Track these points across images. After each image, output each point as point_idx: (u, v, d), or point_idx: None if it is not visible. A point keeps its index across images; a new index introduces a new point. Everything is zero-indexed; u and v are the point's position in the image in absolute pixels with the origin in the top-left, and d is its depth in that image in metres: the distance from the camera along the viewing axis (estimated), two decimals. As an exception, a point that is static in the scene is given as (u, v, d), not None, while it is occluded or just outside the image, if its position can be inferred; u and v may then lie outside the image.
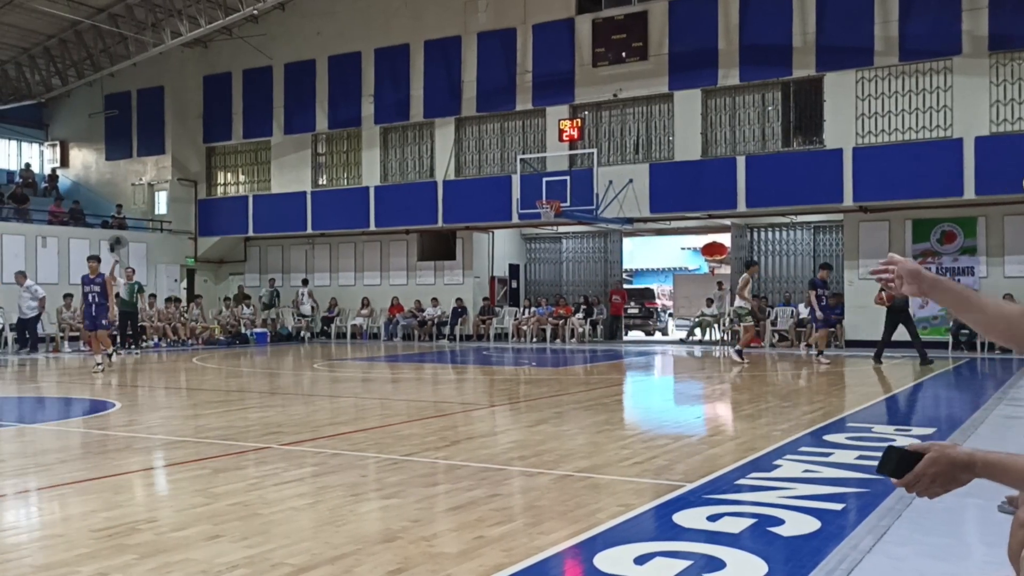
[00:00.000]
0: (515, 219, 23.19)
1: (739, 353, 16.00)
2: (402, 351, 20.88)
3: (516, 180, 22.91)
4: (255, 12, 24.30)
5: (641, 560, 3.82)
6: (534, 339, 23.91)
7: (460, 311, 24.72)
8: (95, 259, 15.33)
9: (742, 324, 16.49)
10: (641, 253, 33.59)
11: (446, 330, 24.69)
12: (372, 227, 25.56)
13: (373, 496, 5.24)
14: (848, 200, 19.93)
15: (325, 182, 26.98)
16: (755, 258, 22.69)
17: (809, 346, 17.54)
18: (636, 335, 27.39)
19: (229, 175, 29.00)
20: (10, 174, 29.40)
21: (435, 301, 25.19)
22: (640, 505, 4.89)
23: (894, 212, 20.21)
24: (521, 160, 22.87)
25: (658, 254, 34.11)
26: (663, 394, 13.06)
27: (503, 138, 24.50)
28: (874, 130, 19.95)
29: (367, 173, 26.08)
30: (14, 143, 30.86)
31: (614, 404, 10.74)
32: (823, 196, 20.20)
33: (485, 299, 25.45)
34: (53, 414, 9.94)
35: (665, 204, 21.96)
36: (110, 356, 15.25)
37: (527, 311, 24.81)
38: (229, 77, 27.98)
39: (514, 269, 27.13)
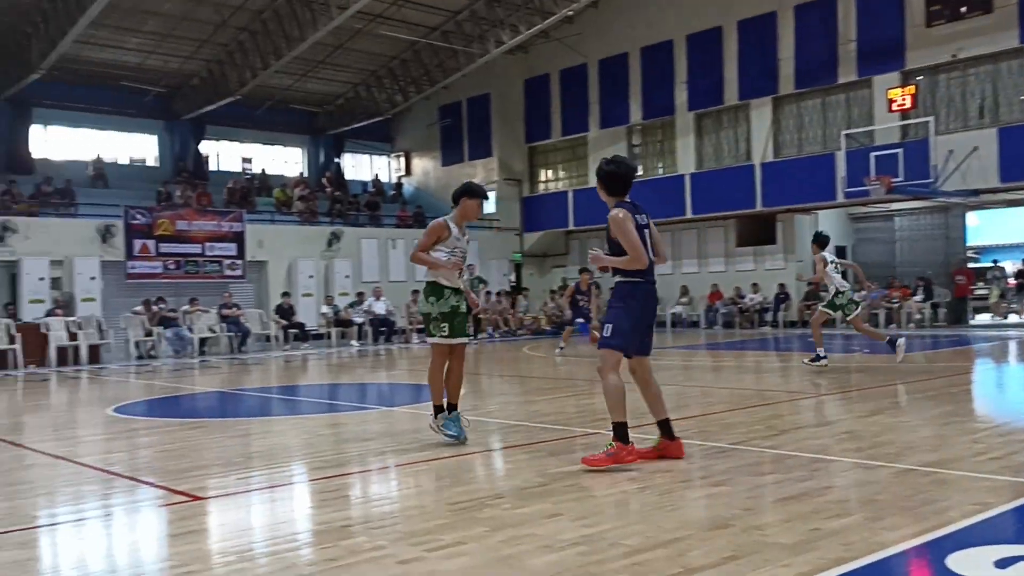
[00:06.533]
0: (840, 199, 21.91)
1: None
2: (723, 339, 20.58)
3: (840, 157, 21.60)
4: (570, 12, 25.17)
5: (1003, 564, 3.49)
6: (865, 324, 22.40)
7: (783, 297, 23.83)
8: None
9: None
10: (989, 228, 30.09)
11: (768, 316, 23.95)
12: (688, 215, 25.43)
13: (700, 483, 5.27)
14: None
15: (641, 172, 27.26)
16: None
17: None
18: (983, 318, 24.66)
19: (550, 172, 30.31)
20: (364, 185, 33.03)
21: (755, 287, 24.52)
22: (998, 504, 4.45)
23: None
24: (846, 135, 21.53)
25: (1011, 228, 30.34)
26: (1020, 384, 11.69)
27: (824, 114, 23.24)
28: None
29: (682, 161, 26.00)
30: (366, 157, 34.66)
31: (962, 394, 9.81)
32: None
33: (810, 284, 24.28)
34: (408, 398, 11.04)
35: (1019, 172, 19.58)
36: None
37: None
38: (547, 78, 29.22)
39: (840, 251, 25.59)
